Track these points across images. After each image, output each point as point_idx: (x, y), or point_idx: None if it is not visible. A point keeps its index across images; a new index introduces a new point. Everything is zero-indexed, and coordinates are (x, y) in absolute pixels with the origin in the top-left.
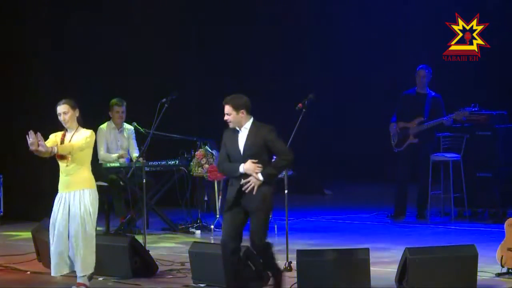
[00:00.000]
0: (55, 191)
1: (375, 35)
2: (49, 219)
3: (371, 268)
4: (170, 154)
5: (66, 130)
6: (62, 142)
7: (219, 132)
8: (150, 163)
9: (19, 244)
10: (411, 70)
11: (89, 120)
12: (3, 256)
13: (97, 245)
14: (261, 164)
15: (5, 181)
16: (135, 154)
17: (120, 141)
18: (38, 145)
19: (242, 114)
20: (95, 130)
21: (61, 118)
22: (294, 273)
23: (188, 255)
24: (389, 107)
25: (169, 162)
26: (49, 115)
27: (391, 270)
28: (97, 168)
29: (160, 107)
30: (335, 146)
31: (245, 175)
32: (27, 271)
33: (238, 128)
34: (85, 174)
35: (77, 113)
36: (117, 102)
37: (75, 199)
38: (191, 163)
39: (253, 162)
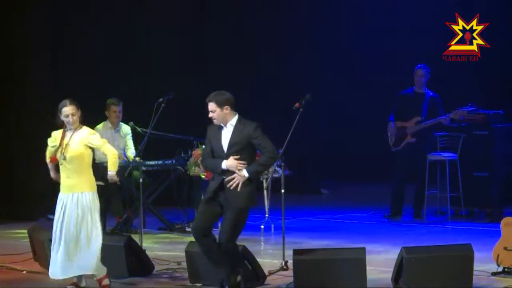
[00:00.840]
0: (51, 191)
1: (375, 35)
2: (46, 219)
3: (367, 268)
4: (167, 153)
5: (64, 129)
6: (61, 142)
7: None
8: (147, 162)
9: (15, 243)
10: (412, 70)
11: (85, 120)
12: None
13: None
14: (245, 161)
15: (0, 180)
16: (131, 153)
17: (116, 141)
18: None
19: (226, 110)
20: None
21: (68, 119)
22: (290, 272)
23: (184, 254)
24: (387, 106)
25: (166, 162)
26: (40, 112)
27: (388, 269)
28: (94, 167)
29: (157, 106)
30: (332, 145)
31: (228, 172)
32: (23, 270)
33: (222, 125)
34: (86, 176)
35: (79, 112)
36: (114, 102)
37: (77, 201)
38: (188, 163)
39: (235, 159)
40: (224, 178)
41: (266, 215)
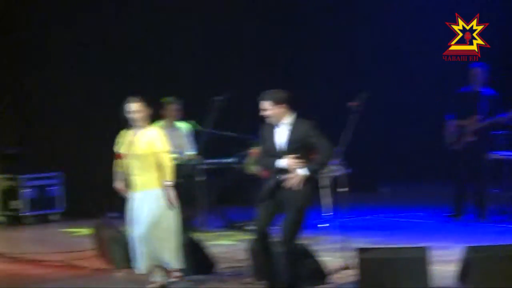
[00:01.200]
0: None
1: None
2: (110, 216)
3: (431, 267)
4: (226, 152)
5: (132, 127)
6: (127, 140)
7: None
8: (207, 161)
9: (80, 240)
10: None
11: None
12: (64, 253)
13: None
14: (302, 159)
15: (67, 179)
16: (190, 152)
17: (175, 140)
18: None
19: (282, 108)
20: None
21: (133, 116)
22: (353, 271)
23: (246, 252)
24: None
25: (226, 160)
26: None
27: (451, 269)
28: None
29: (214, 105)
30: (391, 144)
31: (284, 170)
32: (87, 267)
33: (277, 123)
34: (154, 173)
35: (147, 110)
36: (173, 100)
37: (145, 199)
38: (246, 161)
39: (293, 158)
40: (280, 178)
41: (327, 214)
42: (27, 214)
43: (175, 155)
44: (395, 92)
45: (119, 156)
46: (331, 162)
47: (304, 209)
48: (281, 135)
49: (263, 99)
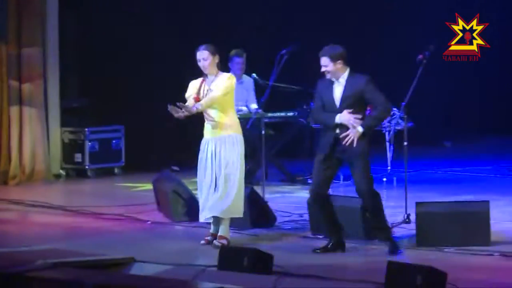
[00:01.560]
0: (176, 142)
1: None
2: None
3: (491, 222)
4: (289, 105)
5: (206, 76)
6: (199, 89)
7: None
8: (269, 114)
9: (140, 194)
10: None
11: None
12: (125, 206)
13: None
14: (358, 114)
15: (126, 132)
16: (254, 105)
17: (241, 93)
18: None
19: (339, 65)
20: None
21: (200, 64)
22: (413, 225)
23: (306, 206)
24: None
25: (288, 114)
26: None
27: None
28: None
29: (279, 58)
30: (455, 97)
31: (341, 126)
32: (148, 220)
33: (334, 79)
34: (230, 119)
35: (216, 59)
36: (237, 53)
37: (221, 144)
38: (310, 114)
39: (350, 113)
40: (337, 133)
41: (389, 168)
42: (90, 167)
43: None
44: None
45: (197, 99)
46: (392, 116)
47: (367, 156)
48: (338, 91)
49: (321, 55)
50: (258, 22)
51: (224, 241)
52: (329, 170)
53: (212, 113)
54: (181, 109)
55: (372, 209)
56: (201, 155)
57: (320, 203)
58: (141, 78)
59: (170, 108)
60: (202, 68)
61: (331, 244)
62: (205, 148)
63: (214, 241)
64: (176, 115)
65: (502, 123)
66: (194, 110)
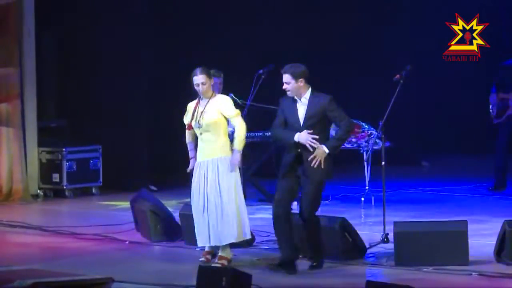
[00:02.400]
0: (153, 162)
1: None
2: (148, 189)
3: (469, 240)
4: (266, 125)
5: (199, 97)
6: (195, 110)
7: None
8: (247, 134)
9: (118, 214)
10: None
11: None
12: (103, 226)
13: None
14: (320, 134)
15: (104, 152)
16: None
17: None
18: None
19: (301, 83)
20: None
21: (199, 88)
22: (391, 245)
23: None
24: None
25: (266, 133)
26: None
27: (490, 242)
28: None
29: (257, 78)
30: (432, 117)
31: (301, 145)
32: (126, 240)
33: (296, 98)
34: (222, 141)
35: (212, 81)
36: (215, 74)
37: (213, 167)
38: (270, 130)
39: (309, 133)
40: (299, 152)
41: (367, 187)
42: (68, 187)
43: None
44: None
45: (189, 127)
46: (370, 136)
47: (323, 183)
48: (301, 110)
49: (284, 72)
50: (236, 41)
51: (225, 262)
52: (292, 188)
53: (206, 135)
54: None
55: (310, 233)
56: (194, 177)
57: (280, 219)
58: (119, 98)
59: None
60: (200, 92)
61: (281, 261)
62: (197, 172)
63: (215, 261)
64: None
65: (478, 141)
66: (237, 157)
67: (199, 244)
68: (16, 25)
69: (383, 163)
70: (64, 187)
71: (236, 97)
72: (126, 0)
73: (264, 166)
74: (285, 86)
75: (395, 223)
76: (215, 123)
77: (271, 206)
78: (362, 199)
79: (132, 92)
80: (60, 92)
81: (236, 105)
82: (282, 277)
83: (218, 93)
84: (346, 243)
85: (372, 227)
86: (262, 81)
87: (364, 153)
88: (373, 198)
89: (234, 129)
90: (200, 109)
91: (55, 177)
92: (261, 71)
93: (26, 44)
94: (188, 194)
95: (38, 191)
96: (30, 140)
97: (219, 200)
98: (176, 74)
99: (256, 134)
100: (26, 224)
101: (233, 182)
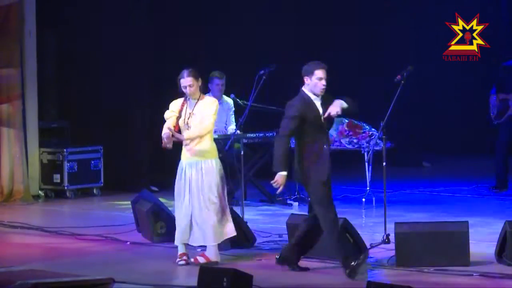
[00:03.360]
0: (154, 162)
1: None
2: (149, 190)
3: (470, 241)
4: (268, 126)
5: (186, 97)
6: (181, 111)
7: None
8: (248, 135)
9: (119, 214)
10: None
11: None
12: (104, 227)
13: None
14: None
15: (105, 153)
16: (232, 126)
17: (219, 114)
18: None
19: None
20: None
21: (186, 90)
22: (392, 246)
23: (285, 227)
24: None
25: (267, 134)
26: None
27: (491, 243)
28: None
29: (258, 79)
30: (434, 118)
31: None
32: (127, 241)
33: (317, 94)
34: (206, 144)
35: (199, 82)
36: (218, 75)
37: (197, 169)
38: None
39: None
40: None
41: (368, 188)
42: (69, 187)
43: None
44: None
45: (176, 127)
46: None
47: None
48: (319, 105)
49: (324, 67)
50: (236, 41)
51: (202, 259)
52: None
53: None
54: (173, 136)
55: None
56: (177, 179)
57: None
58: (120, 99)
59: (168, 134)
60: (187, 94)
61: (279, 255)
62: (181, 172)
63: (198, 257)
64: (167, 145)
65: (479, 142)
66: (184, 138)
67: (176, 242)
68: (17, 26)
69: (384, 163)
70: (65, 187)
71: (237, 98)
72: (126, 1)
73: (265, 167)
74: (324, 82)
75: (396, 223)
76: (202, 125)
77: (271, 206)
78: (363, 199)
79: (133, 92)
80: (61, 92)
81: (238, 106)
82: (283, 277)
83: (221, 94)
84: (347, 244)
85: (373, 227)
86: (264, 81)
87: (365, 153)
88: (374, 198)
89: (234, 128)
90: (189, 110)
91: (56, 177)
92: (262, 72)
93: (27, 45)
94: None
95: (39, 191)
96: (31, 140)
97: (202, 201)
98: (176, 74)
99: (257, 134)
100: (27, 224)
101: (215, 183)
